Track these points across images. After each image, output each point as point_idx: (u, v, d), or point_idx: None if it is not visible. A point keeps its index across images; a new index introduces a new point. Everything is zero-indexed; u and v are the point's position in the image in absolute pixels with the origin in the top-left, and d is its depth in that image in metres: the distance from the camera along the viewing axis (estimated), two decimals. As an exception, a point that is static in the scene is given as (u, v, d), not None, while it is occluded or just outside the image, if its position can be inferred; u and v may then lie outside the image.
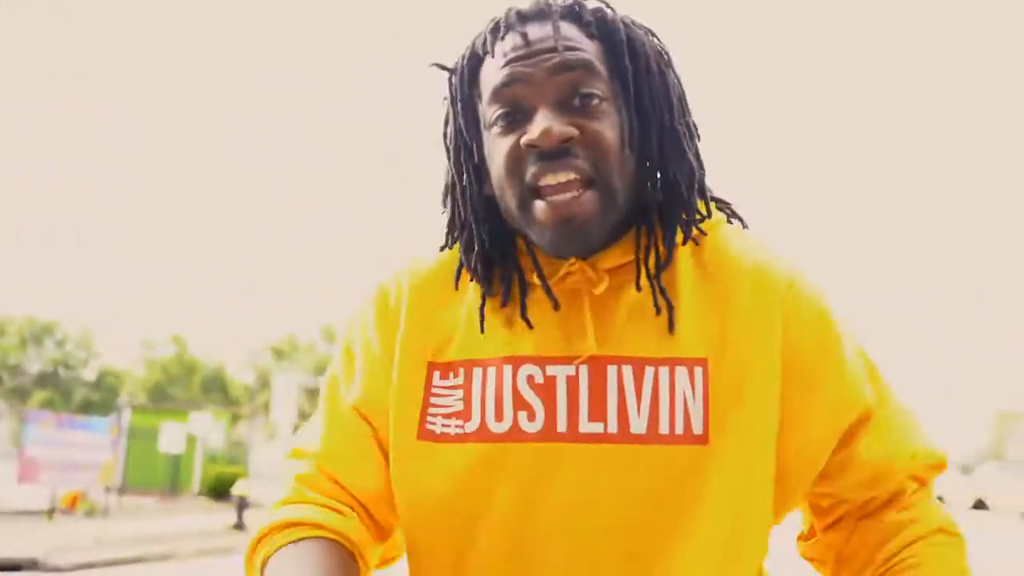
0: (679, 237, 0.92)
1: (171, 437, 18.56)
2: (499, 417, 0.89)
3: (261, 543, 0.90)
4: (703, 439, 0.87)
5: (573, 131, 0.84)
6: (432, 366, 0.94)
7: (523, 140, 0.85)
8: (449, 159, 0.96)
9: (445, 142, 0.97)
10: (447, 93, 0.96)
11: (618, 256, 0.92)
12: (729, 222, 0.99)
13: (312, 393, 37.04)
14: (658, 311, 0.89)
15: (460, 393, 0.91)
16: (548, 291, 0.91)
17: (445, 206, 0.98)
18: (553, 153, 0.84)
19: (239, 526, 13.71)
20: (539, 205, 0.86)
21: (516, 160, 0.87)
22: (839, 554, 1.01)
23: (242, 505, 13.88)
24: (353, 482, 0.94)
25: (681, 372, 0.88)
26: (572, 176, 0.85)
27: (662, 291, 0.89)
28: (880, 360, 1.00)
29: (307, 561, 0.85)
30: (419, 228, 1.01)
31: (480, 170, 0.94)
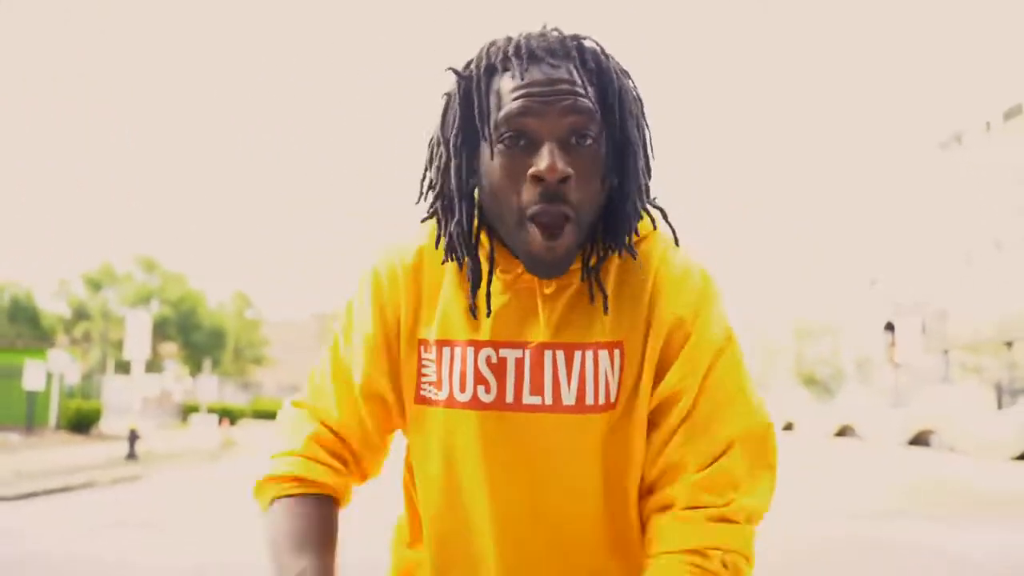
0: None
1: (33, 375, 19.16)
2: (463, 389, 1.08)
3: (274, 484, 1.11)
4: (614, 406, 1.06)
5: (570, 171, 0.97)
6: (420, 342, 1.12)
7: (531, 171, 0.97)
8: (446, 147, 1.05)
9: (443, 132, 1.06)
10: (455, 92, 1.05)
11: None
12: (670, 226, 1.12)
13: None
14: (592, 300, 1.06)
15: (435, 367, 1.11)
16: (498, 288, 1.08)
17: (430, 187, 1.09)
18: (551, 185, 0.97)
19: (131, 456, 15.05)
20: (534, 234, 0.99)
21: (516, 182, 0.99)
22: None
23: (133, 438, 15.21)
24: (358, 445, 1.16)
25: (603, 354, 1.06)
26: (562, 208, 0.97)
27: (600, 285, 1.06)
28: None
29: (307, 511, 1.09)
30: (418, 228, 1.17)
31: (469, 165, 1.05)
